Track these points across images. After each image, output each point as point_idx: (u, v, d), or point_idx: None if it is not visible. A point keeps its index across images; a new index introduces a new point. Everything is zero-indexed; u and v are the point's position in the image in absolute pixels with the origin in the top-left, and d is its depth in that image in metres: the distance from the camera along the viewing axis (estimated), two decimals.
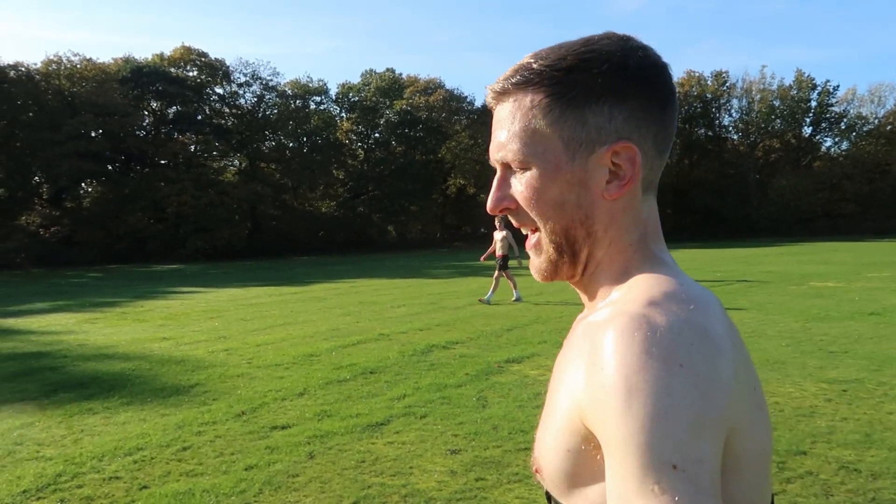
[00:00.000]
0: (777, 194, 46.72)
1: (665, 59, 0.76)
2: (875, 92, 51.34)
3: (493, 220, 14.81)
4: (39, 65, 37.10)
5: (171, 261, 35.96)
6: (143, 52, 57.31)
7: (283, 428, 4.79)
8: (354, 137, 50.93)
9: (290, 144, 47.62)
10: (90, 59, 38.80)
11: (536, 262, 0.81)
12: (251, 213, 43.14)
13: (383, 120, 49.77)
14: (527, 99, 0.75)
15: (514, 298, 12.33)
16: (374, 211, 48.46)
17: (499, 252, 12.67)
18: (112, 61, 40.98)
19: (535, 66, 0.75)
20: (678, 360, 0.58)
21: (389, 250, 44.44)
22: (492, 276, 13.01)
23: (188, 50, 44.41)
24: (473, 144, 49.66)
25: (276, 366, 7.00)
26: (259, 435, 4.66)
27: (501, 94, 0.77)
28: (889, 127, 48.63)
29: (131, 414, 5.32)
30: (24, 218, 36.40)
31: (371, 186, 49.27)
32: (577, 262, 0.78)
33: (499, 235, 12.67)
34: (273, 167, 46.74)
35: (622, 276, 0.75)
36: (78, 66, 37.89)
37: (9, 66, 35.96)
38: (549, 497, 0.77)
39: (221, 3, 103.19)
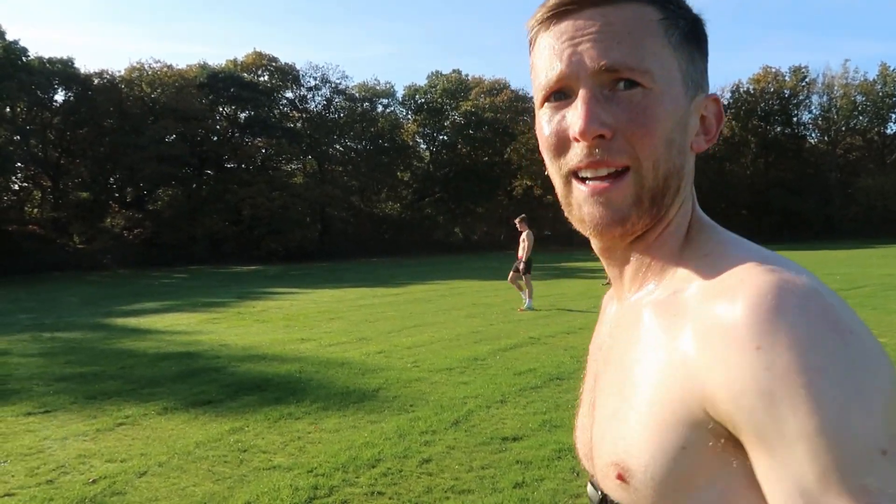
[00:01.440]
0: (862, 194, 44.61)
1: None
2: None
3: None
4: (123, 72, 38.18)
5: (247, 262, 36.44)
6: (217, 59, 58.72)
7: (515, 439, 4.46)
8: (420, 139, 50.91)
9: (358, 147, 47.89)
10: (170, 65, 39.71)
11: (605, 212, 0.63)
12: (320, 215, 43.48)
13: (449, 121, 49.61)
14: (649, 10, 0.63)
15: (526, 306, 11.55)
16: (440, 213, 48.28)
17: (521, 253, 11.80)
18: (188, 67, 41.90)
19: None
20: (847, 327, 0.49)
21: (455, 252, 44.14)
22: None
23: (260, 55, 45.16)
24: None
25: (449, 370, 6.70)
26: (495, 447, 4.33)
27: None
28: None
29: (337, 420, 5.07)
30: (108, 220, 37.46)
31: (437, 188, 49.15)
32: (655, 216, 0.65)
33: (528, 239, 11.79)
34: (341, 169, 47.06)
35: (685, 242, 0.66)
36: (159, 72, 38.83)
37: (94, 73, 37.16)
38: None
39: (289, 11, 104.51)
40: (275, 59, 45.86)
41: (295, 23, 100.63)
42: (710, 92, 0.68)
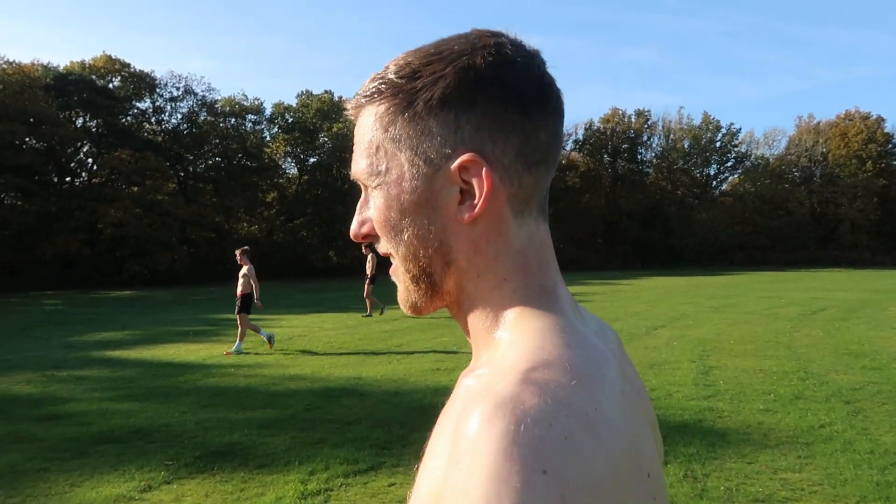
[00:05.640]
0: (698, 227, 50.12)
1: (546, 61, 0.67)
2: (769, 135, 57.06)
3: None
4: None
5: (107, 287, 32.16)
6: (58, 61, 51.49)
7: None
8: (290, 159, 48.79)
9: (224, 164, 44.68)
10: (13, 61, 34.37)
11: (398, 293, 0.71)
12: (187, 236, 39.81)
13: (320, 142, 48.11)
14: (373, 111, 0.67)
15: (234, 349, 10.30)
16: (315, 236, 46.45)
17: (240, 290, 10.65)
18: (31, 65, 36.55)
19: (385, 75, 0.67)
20: (542, 465, 0.47)
21: (332, 276, 42.50)
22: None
23: (111, 59, 40.73)
24: None
25: (797, 399, 6.34)
26: None
27: (356, 109, 0.70)
28: (781, 167, 53.91)
29: (791, 460, 4.55)
30: None
31: (309, 210, 47.30)
32: (438, 294, 0.67)
33: (250, 273, 10.79)
34: (208, 187, 43.60)
35: (501, 318, 0.64)
36: None
37: None
38: None
39: (139, 14, 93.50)
40: (128, 65, 41.61)
41: (142, 27, 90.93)
42: (471, 150, 0.63)
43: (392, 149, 0.65)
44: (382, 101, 0.65)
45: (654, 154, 55.47)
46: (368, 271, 15.32)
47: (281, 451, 4.98)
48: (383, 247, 0.68)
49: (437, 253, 0.65)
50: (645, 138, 54.71)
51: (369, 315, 15.29)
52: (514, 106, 0.63)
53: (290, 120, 47.90)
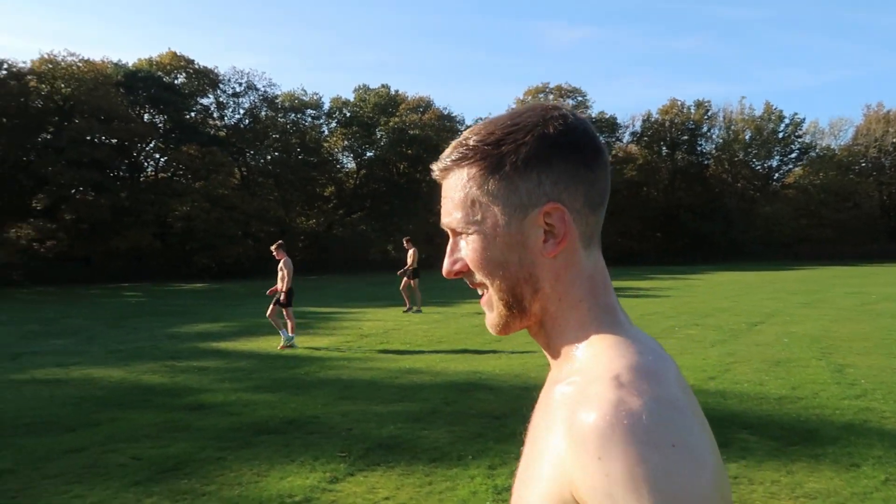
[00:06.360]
0: (761, 220, 48.78)
1: (594, 119, 0.81)
2: (835, 125, 55.06)
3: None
4: (30, 63, 33.46)
5: (176, 279, 33.07)
6: (125, 55, 53.02)
7: None
8: (348, 153, 49.25)
9: (284, 158, 45.40)
10: (88, 59, 35.47)
11: (489, 318, 0.84)
12: (250, 230, 40.60)
13: (377, 136, 48.42)
14: (464, 172, 0.80)
15: (284, 342, 10.52)
16: (374, 230, 46.84)
17: (279, 284, 10.81)
18: (103, 62, 37.69)
19: (469, 143, 0.80)
20: (669, 441, 0.63)
21: (386, 270, 42.83)
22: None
23: (176, 56, 41.66)
24: None
25: None
26: None
27: (445, 171, 0.83)
28: (848, 158, 52.02)
29: None
30: (13, 231, 32.49)
31: (367, 203, 47.70)
32: (527, 315, 0.82)
33: (286, 267, 10.87)
34: (268, 182, 44.39)
35: (580, 333, 0.79)
36: (74, 67, 34.49)
37: None
38: None
39: (200, 12, 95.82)
40: (192, 62, 42.48)
41: (202, 25, 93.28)
42: (551, 200, 0.78)
43: (486, 201, 0.79)
44: (472, 164, 0.79)
45: (714, 146, 54.11)
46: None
47: (446, 445, 5.00)
48: (477, 280, 0.82)
49: (526, 282, 0.79)
50: (705, 129, 53.41)
51: (409, 309, 15.21)
52: (580, 163, 0.79)
53: (348, 114, 48.28)
